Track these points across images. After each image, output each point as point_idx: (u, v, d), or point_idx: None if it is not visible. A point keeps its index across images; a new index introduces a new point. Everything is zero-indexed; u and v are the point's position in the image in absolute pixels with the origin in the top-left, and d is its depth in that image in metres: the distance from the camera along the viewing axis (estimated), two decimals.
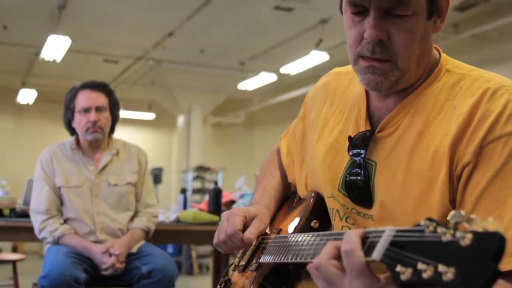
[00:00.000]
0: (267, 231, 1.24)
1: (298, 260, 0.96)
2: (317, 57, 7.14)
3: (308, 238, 0.98)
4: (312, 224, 1.17)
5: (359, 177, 1.07)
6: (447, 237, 0.65)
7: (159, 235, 3.01)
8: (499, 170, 0.93)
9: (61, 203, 2.70)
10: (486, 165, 0.94)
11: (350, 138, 1.10)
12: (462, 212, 0.66)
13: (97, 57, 8.89)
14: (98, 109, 2.73)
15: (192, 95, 10.52)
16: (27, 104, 10.73)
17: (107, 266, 2.56)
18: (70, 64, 8.71)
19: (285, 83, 9.76)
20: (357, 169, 1.08)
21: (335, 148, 1.15)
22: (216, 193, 3.40)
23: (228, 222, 1.19)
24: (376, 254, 0.73)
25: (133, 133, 11.43)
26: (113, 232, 2.70)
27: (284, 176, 1.39)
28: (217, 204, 3.37)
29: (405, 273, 0.66)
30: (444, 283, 0.62)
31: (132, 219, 2.80)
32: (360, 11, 0.99)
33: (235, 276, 1.22)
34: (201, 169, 9.82)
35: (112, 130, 2.88)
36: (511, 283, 0.87)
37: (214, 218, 3.22)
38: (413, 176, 1.00)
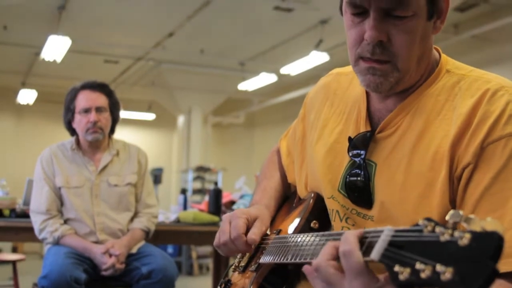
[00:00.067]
0: (267, 231, 1.24)
1: (297, 260, 0.96)
2: (317, 57, 7.14)
3: (308, 238, 0.98)
4: (312, 224, 1.16)
5: (359, 178, 1.07)
6: (445, 237, 0.65)
7: (159, 236, 3.01)
8: (500, 171, 0.93)
9: (61, 203, 2.70)
10: (486, 166, 0.94)
11: (350, 139, 1.10)
12: (461, 212, 0.66)
13: (97, 57, 8.88)
14: (98, 109, 2.73)
15: (192, 95, 10.51)
16: (27, 104, 10.72)
17: (107, 266, 2.56)
18: (70, 64, 8.70)
19: (285, 84, 9.76)
20: (357, 170, 1.08)
21: (335, 148, 1.15)
22: (216, 194, 3.40)
23: (231, 226, 1.18)
24: (375, 254, 0.73)
25: (133, 133, 11.43)
26: (113, 233, 2.70)
27: (284, 176, 1.39)
28: (217, 204, 3.38)
29: (404, 273, 0.66)
30: (442, 283, 0.62)
31: (132, 219, 2.81)
32: (360, 12, 0.99)
33: (235, 277, 1.22)
34: (201, 169, 9.82)
35: (112, 131, 2.88)
36: (511, 283, 0.87)
37: (214, 218, 3.23)
38: (413, 177, 1.00)
